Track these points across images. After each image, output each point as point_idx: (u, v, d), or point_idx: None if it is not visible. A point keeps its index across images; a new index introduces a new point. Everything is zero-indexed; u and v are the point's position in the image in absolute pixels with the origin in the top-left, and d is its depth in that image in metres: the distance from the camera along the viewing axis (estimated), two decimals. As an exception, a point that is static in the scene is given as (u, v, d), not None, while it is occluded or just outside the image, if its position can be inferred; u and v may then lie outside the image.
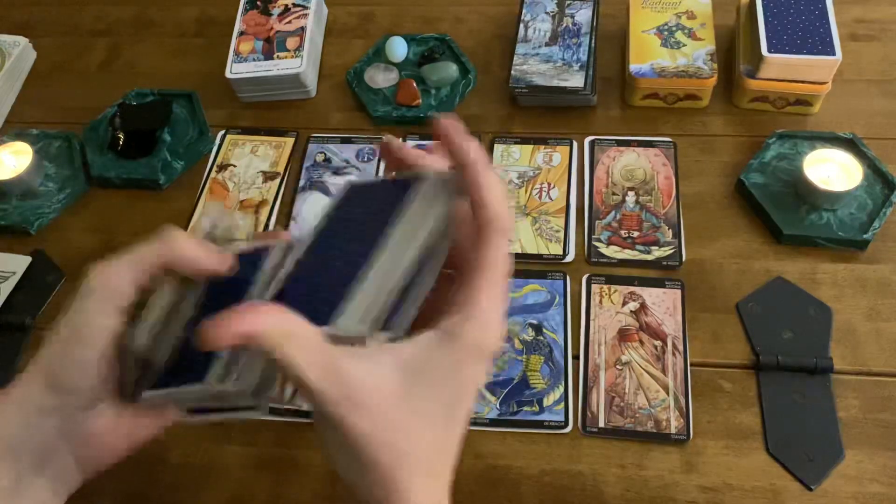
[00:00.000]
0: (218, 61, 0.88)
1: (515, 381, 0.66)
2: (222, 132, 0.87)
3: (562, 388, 0.66)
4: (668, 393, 0.64)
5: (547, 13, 0.87)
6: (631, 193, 0.76)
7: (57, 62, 0.97)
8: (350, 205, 0.43)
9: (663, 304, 0.69)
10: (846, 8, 0.87)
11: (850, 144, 0.75)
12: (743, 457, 0.61)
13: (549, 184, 0.78)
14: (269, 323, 0.34)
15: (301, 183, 0.81)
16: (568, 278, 0.71)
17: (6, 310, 0.74)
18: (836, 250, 0.71)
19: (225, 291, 0.42)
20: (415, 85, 0.85)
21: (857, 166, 0.71)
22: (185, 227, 0.79)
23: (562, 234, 0.74)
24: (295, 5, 0.90)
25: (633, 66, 0.80)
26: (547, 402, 0.65)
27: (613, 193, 0.77)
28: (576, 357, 0.67)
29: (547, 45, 0.84)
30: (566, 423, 0.64)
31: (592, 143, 0.81)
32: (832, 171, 0.72)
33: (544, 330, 0.69)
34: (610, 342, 0.68)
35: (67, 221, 0.82)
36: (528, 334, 0.69)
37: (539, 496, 0.61)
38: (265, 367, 0.38)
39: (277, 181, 0.82)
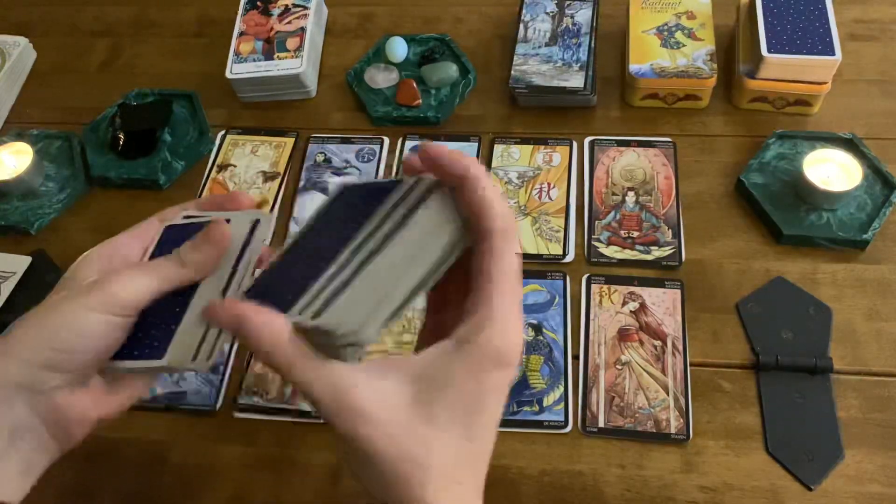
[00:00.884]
0: (218, 61, 0.88)
1: (515, 381, 0.66)
2: (222, 132, 0.87)
3: (562, 388, 0.66)
4: (667, 393, 0.64)
5: (547, 13, 0.87)
6: (631, 193, 0.76)
7: (57, 62, 0.97)
8: (339, 203, 0.43)
9: (663, 304, 0.69)
10: (846, 8, 0.87)
11: (850, 144, 0.75)
12: (743, 457, 0.61)
13: (548, 184, 0.78)
14: (279, 338, 0.35)
15: (301, 183, 0.81)
16: (568, 278, 0.72)
17: (6, 310, 0.74)
18: (836, 250, 0.71)
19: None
20: (415, 85, 0.85)
21: (856, 166, 0.71)
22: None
23: (562, 235, 0.74)
24: (295, 5, 0.90)
25: (633, 67, 0.80)
26: (547, 402, 0.65)
27: (613, 193, 0.77)
28: (576, 357, 0.67)
29: (547, 45, 0.84)
30: (566, 423, 0.64)
31: (592, 143, 0.81)
32: (832, 171, 0.72)
33: (544, 330, 0.69)
34: (610, 342, 0.68)
35: (67, 221, 0.82)
36: (528, 334, 0.69)
37: (539, 496, 0.61)
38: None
39: (277, 181, 0.82)
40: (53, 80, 0.95)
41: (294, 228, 0.78)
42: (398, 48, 0.87)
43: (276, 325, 0.35)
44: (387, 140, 0.84)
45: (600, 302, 0.70)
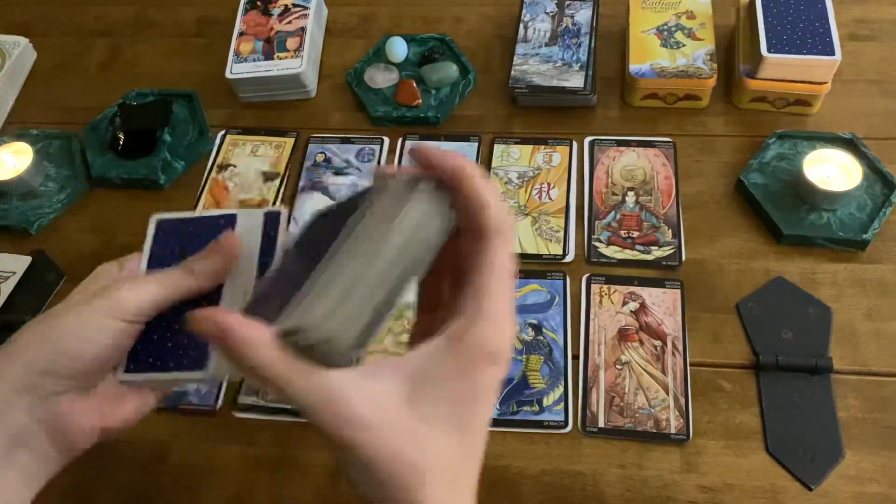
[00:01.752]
0: (218, 61, 0.88)
1: (515, 381, 0.66)
2: (222, 132, 0.87)
3: (562, 388, 0.66)
4: (667, 393, 0.64)
5: (547, 13, 0.87)
6: (631, 193, 0.76)
7: (57, 62, 0.97)
8: (319, 225, 0.42)
9: (663, 304, 0.69)
10: (846, 8, 0.87)
11: (850, 144, 0.75)
12: (743, 457, 0.61)
13: (548, 184, 0.78)
14: (264, 350, 0.34)
15: (301, 183, 0.81)
16: (568, 278, 0.72)
17: (6, 310, 0.74)
18: (836, 250, 0.71)
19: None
20: (415, 85, 0.85)
21: (856, 166, 0.71)
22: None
23: (561, 234, 0.74)
24: (295, 5, 0.90)
25: (633, 67, 0.80)
26: (547, 401, 0.65)
27: (613, 193, 0.77)
28: (575, 357, 0.67)
29: (547, 45, 0.84)
30: (566, 423, 0.64)
31: (592, 143, 0.81)
32: (832, 171, 0.72)
33: (544, 330, 0.69)
34: (610, 342, 0.68)
35: (67, 221, 0.82)
36: (528, 334, 0.69)
37: (539, 496, 0.61)
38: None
39: (277, 181, 0.82)
40: (53, 80, 0.95)
41: (293, 228, 0.78)
42: (398, 48, 0.87)
43: (260, 335, 0.34)
44: (387, 140, 0.84)
45: (600, 302, 0.70)
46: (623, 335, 0.68)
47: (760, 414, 0.63)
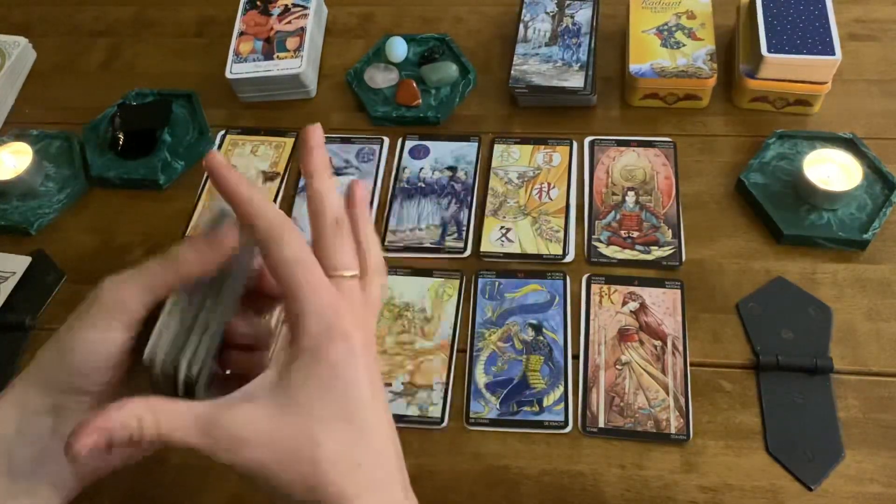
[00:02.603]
0: (218, 61, 0.88)
1: (515, 381, 0.66)
2: (222, 132, 0.87)
3: (562, 388, 0.66)
4: (667, 393, 0.64)
5: (547, 13, 0.87)
6: (631, 193, 0.76)
7: (57, 62, 0.97)
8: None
9: (663, 304, 0.69)
10: (846, 8, 0.87)
11: (850, 144, 0.75)
12: (743, 457, 0.61)
13: (548, 184, 0.78)
14: (125, 415, 0.36)
15: (301, 183, 0.81)
16: (568, 278, 0.72)
17: (6, 310, 0.74)
18: (836, 250, 0.71)
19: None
20: (415, 85, 0.85)
21: (856, 166, 0.71)
22: (186, 228, 0.79)
23: (561, 234, 0.74)
24: (295, 5, 0.90)
25: (633, 66, 0.80)
26: (547, 402, 0.65)
27: (613, 193, 0.77)
28: (576, 357, 0.67)
29: (547, 45, 0.84)
30: (566, 423, 0.64)
31: (592, 143, 0.81)
32: (832, 171, 0.72)
33: (544, 330, 0.69)
34: (610, 342, 0.68)
35: (67, 221, 0.82)
36: (528, 334, 0.69)
37: (539, 496, 0.61)
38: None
39: (277, 181, 0.82)
40: (53, 80, 0.95)
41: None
42: (398, 48, 0.87)
43: (124, 409, 0.36)
44: (387, 140, 0.84)
45: (600, 302, 0.70)
46: (623, 335, 0.68)
47: (760, 414, 0.63)
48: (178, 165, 0.83)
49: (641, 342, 0.67)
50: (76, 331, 0.41)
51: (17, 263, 0.76)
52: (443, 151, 0.82)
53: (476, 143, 0.82)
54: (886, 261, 0.70)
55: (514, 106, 0.85)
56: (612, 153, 0.80)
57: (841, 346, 0.66)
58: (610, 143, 0.80)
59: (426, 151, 0.82)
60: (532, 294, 0.71)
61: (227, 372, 0.45)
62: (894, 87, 0.82)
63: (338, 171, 0.82)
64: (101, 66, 0.96)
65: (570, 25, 0.85)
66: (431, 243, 0.75)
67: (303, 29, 0.88)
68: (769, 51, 0.76)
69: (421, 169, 0.81)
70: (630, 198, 0.76)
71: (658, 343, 0.67)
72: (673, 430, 0.63)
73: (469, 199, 0.78)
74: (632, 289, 0.70)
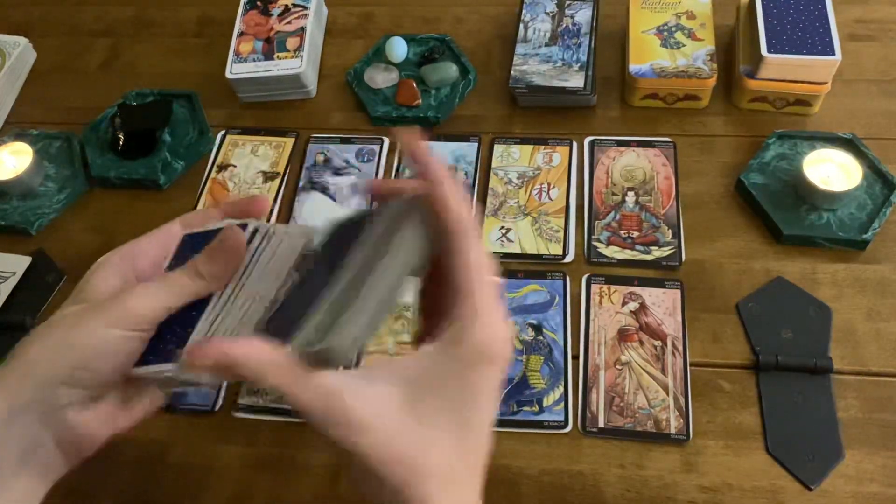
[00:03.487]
0: (218, 61, 0.88)
1: (515, 381, 0.66)
2: (222, 132, 0.87)
3: (561, 388, 0.66)
4: (667, 393, 0.64)
5: (547, 13, 0.87)
6: (631, 193, 0.76)
7: (57, 62, 0.97)
8: (332, 239, 0.44)
9: (663, 304, 0.69)
10: (846, 8, 0.87)
11: (850, 144, 0.75)
12: (743, 457, 0.61)
13: (548, 184, 0.78)
14: (253, 361, 0.36)
15: (301, 183, 0.81)
16: (568, 278, 0.72)
17: (6, 310, 0.74)
18: (836, 250, 0.71)
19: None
20: (415, 85, 0.85)
21: (856, 166, 0.72)
22: (185, 227, 0.79)
23: (561, 235, 0.74)
24: (295, 5, 0.90)
25: (633, 67, 0.80)
26: (547, 402, 0.65)
27: (613, 193, 0.77)
28: (575, 357, 0.67)
29: (547, 45, 0.84)
30: (566, 423, 0.64)
31: (592, 143, 0.81)
32: (832, 171, 0.72)
33: (544, 330, 0.69)
34: (610, 342, 0.68)
35: (67, 221, 0.82)
36: (528, 334, 0.69)
37: (539, 496, 0.61)
38: None
39: (277, 181, 0.82)
40: (53, 80, 0.95)
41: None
42: (398, 48, 0.87)
43: (257, 348, 0.36)
44: (387, 140, 0.84)
45: (600, 302, 0.70)
46: (623, 335, 0.68)
47: (760, 414, 0.63)
48: (178, 165, 0.83)
49: (641, 342, 0.67)
50: (89, 326, 0.41)
51: (17, 263, 0.77)
52: (443, 151, 0.82)
53: (476, 144, 0.82)
54: (886, 261, 0.70)
55: (514, 106, 0.85)
56: (612, 153, 0.80)
57: (841, 346, 0.66)
58: (610, 144, 0.80)
59: (426, 151, 0.82)
60: (532, 294, 0.71)
61: None
62: (894, 87, 0.82)
63: (338, 171, 0.82)
64: (101, 66, 0.96)
65: (570, 25, 0.85)
66: (431, 243, 0.75)
67: (303, 29, 0.88)
68: (769, 51, 0.76)
69: (421, 169, 0.81)
70: (630, 198, 0.76)
71: (658, 343, 0.67)
72: (673, 430, 0.63)
73: (469, 199, 0.78)
74: (632, 289, 0.70)
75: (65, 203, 0.82)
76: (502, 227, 0.76)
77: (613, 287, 0.71)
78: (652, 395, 0.64)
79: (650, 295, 0.70)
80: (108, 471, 0.65)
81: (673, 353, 0.66)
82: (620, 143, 0.80)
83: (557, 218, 0.76)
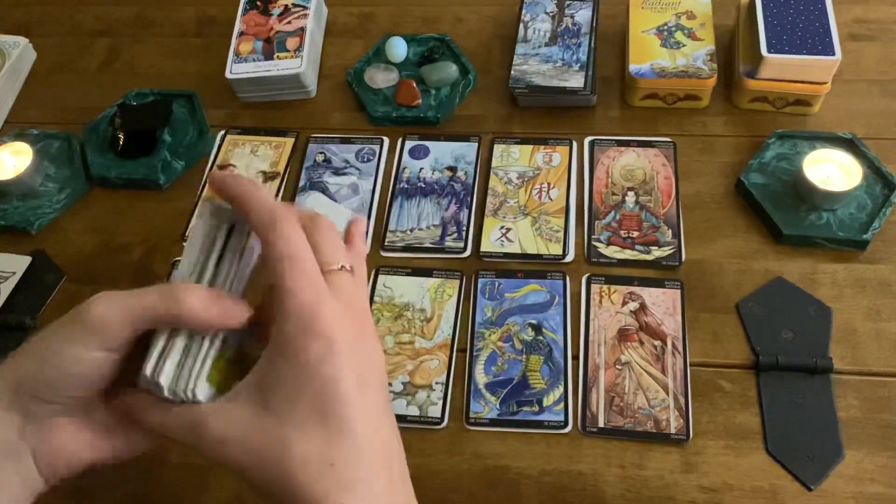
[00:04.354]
0: (218, 61, 0.88)
1: (515, 381, 0.66)
2: (222, 132, 0.87)
3: (561, 388, 0.66)
4: (667, 393, 0.64)
5: (547, 13, 0.87)
6: (630, 193, 0.76)
7: (57, 62, 0.97)
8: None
9: (663, 304, 0.69)
10: (846, 8, 0.87)
11: (850, 144, 0.75)
12: (743, 457, 0.61)
13: (548, 184, 0.78)
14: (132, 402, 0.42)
15: (301, 183, 0.81)
16: (567, 278, 0.72)
17: (6, 310, 0.74)
18: (836, 250, 0.71)
19: None
20: (415, 85, 0.85)
21: (856, 166, 0.72)
22: (185, 227, 0.79)
23: (561, 235, 0.74)
24: (295, 5, 0.90)
25: (633, 67, 0.80)
26: (547, 402, 0.65)
27: (613, 193, 0.77)
28: (575, 357, 0.67)
29: (547, 45, 0.84)
30: (566, 423, 0.64)
31: (592, 143, 0.81)
32: (832, 171, 0.72)
33: (544, 330, 0.69)
34: (609, 342, 0.68)
35: (67, 221, 0.82)
36: (528, 334, 0.69)
37: (539, 496, 0.61)
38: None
39: (277, 181, 0.82)
40: (53, 80, 0.95)
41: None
42: (398, 48, 0.87)
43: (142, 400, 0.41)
44: (386, 140, 0.84)
45: (600, 302, 0.70)
46: (623, 335, 0.68)
47: (760, 414, 0.63)
48: (178, 165, 0.83)
49: (641, 342, 0.67)
50: (53, 342, 0.41)
51: (17, 263, 0.76)
52: (443, 151, 0.82)
53: (476, 144, 0.82)
54: (886, 261, 0.70)
55: (514, 106, 0.85)
56: (612, 153, 0.80)
57: (841, 346, 0.66)
58: (610, 144, 0.80)
59: (426, 151, 0.82)
60: (532, 294, 0.71)
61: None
62: (894, 87, 0.82)
63: (338, 171, 0.82)
64: (101, 66, 0.96)
65: (570, 25, 0.85)
66: (431, 243, 0.75)
67: (303, 29, 0.88)
68: (769, 51, 0.76)
69: (421, 169, 0.81)
70: (630, 198, 0.76)
71: (658, 343, 0.67)
72: (673, 430, 0.63)
73: (469, 199, 0.78)
74: (632, 289, 0.70)
75: (65, 203, 0.82)
76: (502, 227, 0.76)
77: (613, 287, 0.71)
78: (652, 395, 0.64)
79: (650, 295, 0.70)
80: (109, 471, 0.65)
81: (673, 353, 0.66)
82: (620, 143, 0.80)
83: (557, 218, 0.76)
